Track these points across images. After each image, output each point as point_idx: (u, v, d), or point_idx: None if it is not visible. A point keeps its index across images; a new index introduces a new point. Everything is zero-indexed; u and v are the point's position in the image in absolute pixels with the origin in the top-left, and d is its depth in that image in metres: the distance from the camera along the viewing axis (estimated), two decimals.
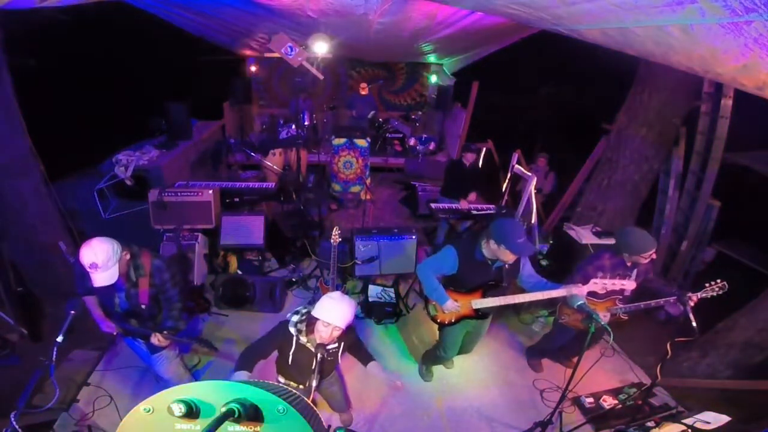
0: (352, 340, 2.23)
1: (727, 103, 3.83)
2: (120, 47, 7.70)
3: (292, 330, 2.05)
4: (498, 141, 6.97)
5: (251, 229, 4.25)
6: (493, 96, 8.49)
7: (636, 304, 2.75)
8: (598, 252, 2.85)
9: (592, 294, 2.56)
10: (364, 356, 2.24)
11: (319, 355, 1.86)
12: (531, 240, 3.46)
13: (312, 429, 0.75)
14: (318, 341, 1.98)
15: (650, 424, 2.53)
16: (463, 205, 4.57)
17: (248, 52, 7.70)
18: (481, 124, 7.27)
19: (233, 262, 4.43)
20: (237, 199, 4.55)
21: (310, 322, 2.01)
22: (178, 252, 3.82)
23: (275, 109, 8.48)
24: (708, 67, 1.69)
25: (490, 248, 2.45)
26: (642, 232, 2.63)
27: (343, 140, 5.80)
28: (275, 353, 2.16)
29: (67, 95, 7.04)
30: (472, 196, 4.65)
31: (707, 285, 2.46)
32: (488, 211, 4.48)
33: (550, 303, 3.19)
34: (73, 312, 2.00)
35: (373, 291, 4.07)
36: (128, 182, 5.08)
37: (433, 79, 8.49)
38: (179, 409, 0.69)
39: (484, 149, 6.61)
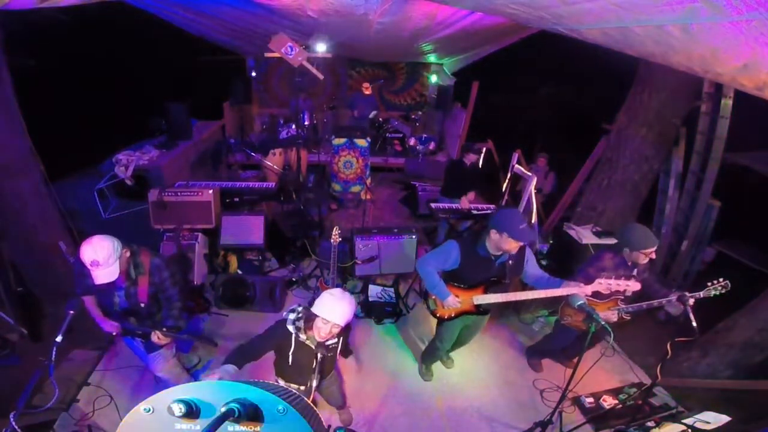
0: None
1: (727, 103, 3.82)
2: (120, 47, 7.70)
3: (291, 328, 1.99)
4: (498, 141, 6.96)
5: (251, 228, 4.25)
6: (493, 96, 8.48)
7: (638, 304, 2.73)
8: (598, 252, 2.84)
9: (595, 294, 2.55)
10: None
11: (319, 355, 1.85)
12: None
13: (312, 429, 0.75)
14: (317, 339, 1.95)
15: (650, 424, 2.53)
16: (463, 204, 4.57)
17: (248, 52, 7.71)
18: (481, 124, 7.26)
19: (233, 261, 4.43)
20: (237, 199, 4.55)
21: (309, 318, 1.97)
22: (178, 252, 3.81)
23: (275, 109, 8.47)
24: (708, 67, 1.69)
25: (492, 240, 2.45)
26: (645, 228, 2.63)
27: (343, 140, 5.80)
28: (268, 355, 2.09)
29: (67, 95, 7.05)
30: (471, 195, 4.66)
31: (709, 284, 2.46)
32: (488, 211, 4.49)
33: (552, 302, 3.18)
34: (72, 312, 1.99)
35: (373, 291, 4.08)
36: (128, 182, 5.09)
37: (433, 79, 8.49)
38: (179, 409, 0.69)
39: (484, 149, 6.61)
